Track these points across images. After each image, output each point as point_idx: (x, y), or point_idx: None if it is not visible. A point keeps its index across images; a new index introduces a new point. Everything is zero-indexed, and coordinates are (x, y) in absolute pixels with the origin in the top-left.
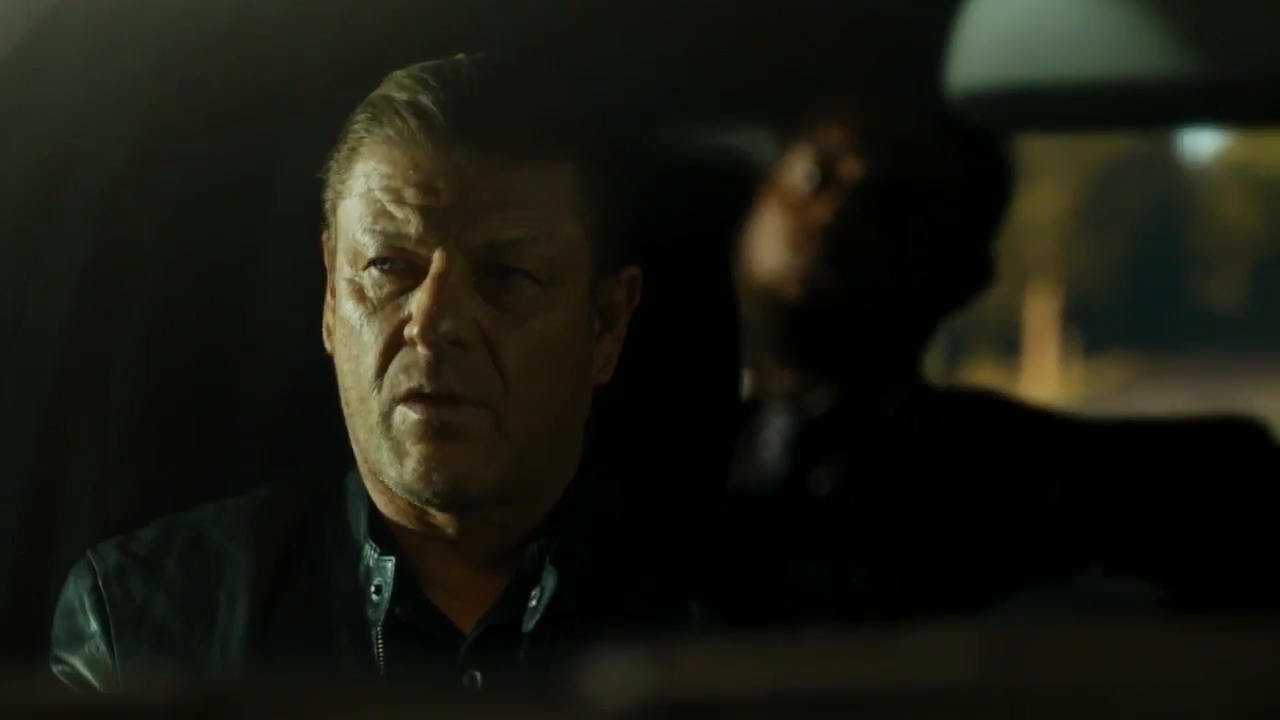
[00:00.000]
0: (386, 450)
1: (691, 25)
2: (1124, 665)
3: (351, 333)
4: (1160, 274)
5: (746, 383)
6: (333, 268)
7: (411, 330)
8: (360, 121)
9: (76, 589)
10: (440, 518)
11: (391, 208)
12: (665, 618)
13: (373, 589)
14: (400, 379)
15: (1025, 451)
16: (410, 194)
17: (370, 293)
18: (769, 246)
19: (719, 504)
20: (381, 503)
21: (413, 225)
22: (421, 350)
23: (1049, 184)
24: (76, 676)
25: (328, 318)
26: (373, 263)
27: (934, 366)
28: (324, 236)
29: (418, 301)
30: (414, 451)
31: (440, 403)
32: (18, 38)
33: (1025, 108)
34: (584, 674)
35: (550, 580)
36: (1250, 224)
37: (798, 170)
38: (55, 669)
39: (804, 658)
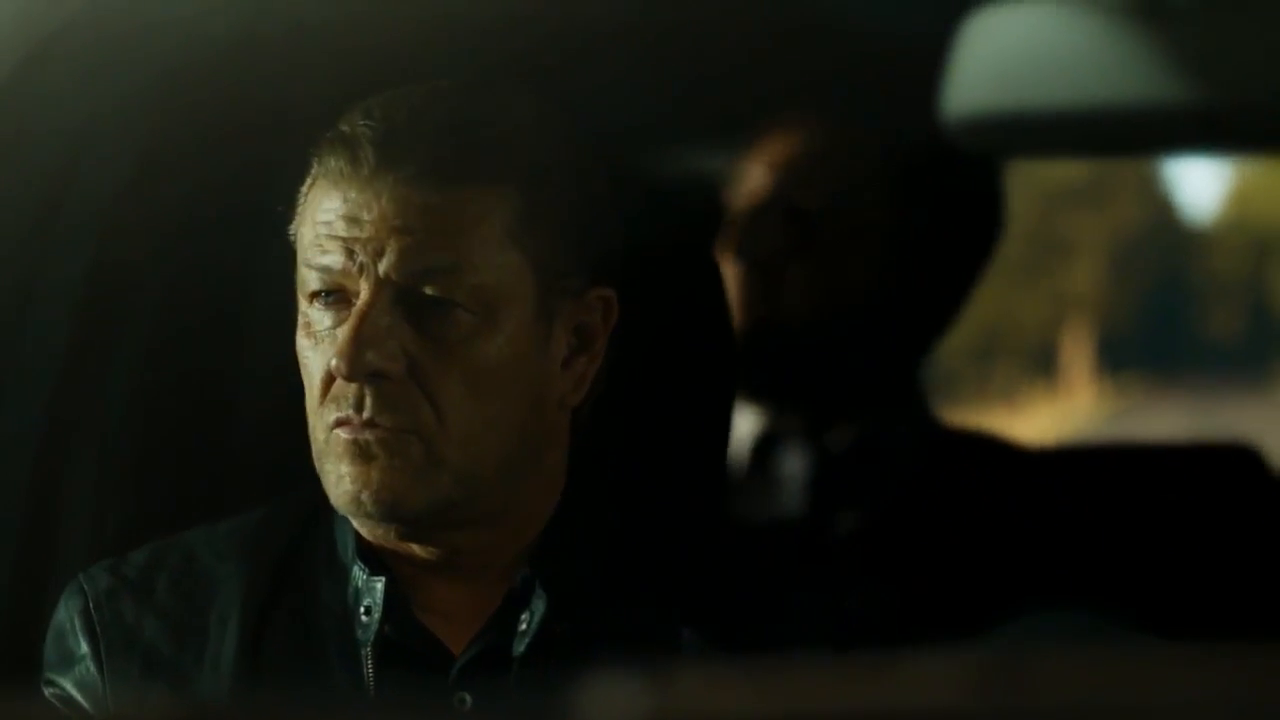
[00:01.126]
0: (329, 473)
1: (678, 51)
2: (1119, 691)
3: (303, 364)
4: (1168, 309)
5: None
6: (296, 297)
7: (332, 363)
8: (315, 156)
9: (67, 611)
10: (405, 544)
11: (325, 242)
12: (656, 643)
13: (362, 610)
14: (331, 408)
15: (1020, 483)
16: (340, 227)
17: (315, 325)
18: (736, 282)
19: (711, 529)
20: (364, 529)
21: (340, 259)
22: (342, 382)
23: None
24: (67, 699)
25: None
26: (314, 296)
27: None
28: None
29: (340, 337)
30: (345, 472)
31: (366, 427)
32: (18, 60)
33: (1019, 133)
34: (576, 697)
35: (540, 604)
36: (1244, 270)
37: (733, 199)
38: (46, 691)
39: (798, 683)
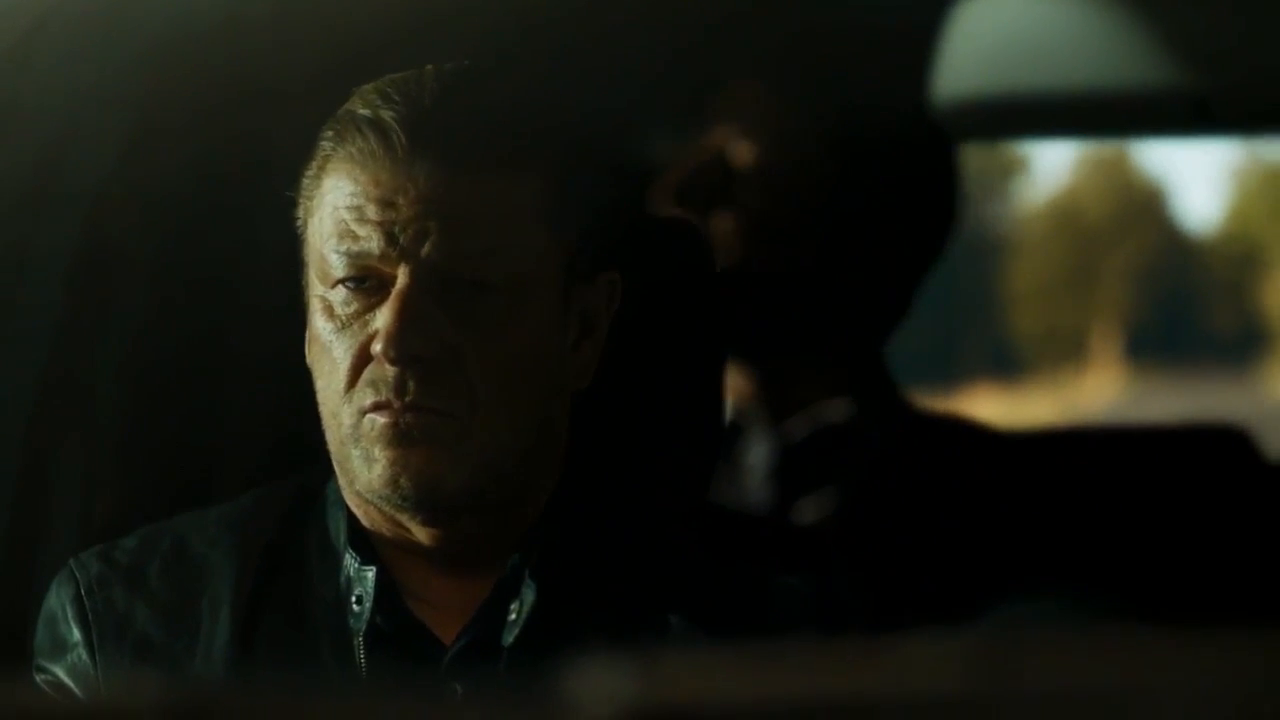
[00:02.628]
0: (357, 458)
1: (678, 34)
2: (1105, 676)
3: (324, 349)
4: (1177, 309)
5: (730, 395)
6: (307, 283)
7: (376, 348)
8: (327, 139)
9: (59, 598)
10: (417, 530)
11: (355, 226)
12: (646, 631)
13: (354, 599)
14: (367, 392)
15: (1007, 467)
16: (372, 211)
17: (339, 310)
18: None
19: (700, 517)
20: (360, 513)
21: (375, 243)
22: (387, 367)
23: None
24: (59, 685)
25: (308, 332)
26: (340, 281)
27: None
28: (302, 253)
29: (382, 319)
30: (381, 456)
31: (407, 410)
32: (9, 38)
33: (1009, 116)
34: (565, 684)
35: (529, 594)
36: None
37: (699, 167)
38: (38, 678)
39: (786, 668)
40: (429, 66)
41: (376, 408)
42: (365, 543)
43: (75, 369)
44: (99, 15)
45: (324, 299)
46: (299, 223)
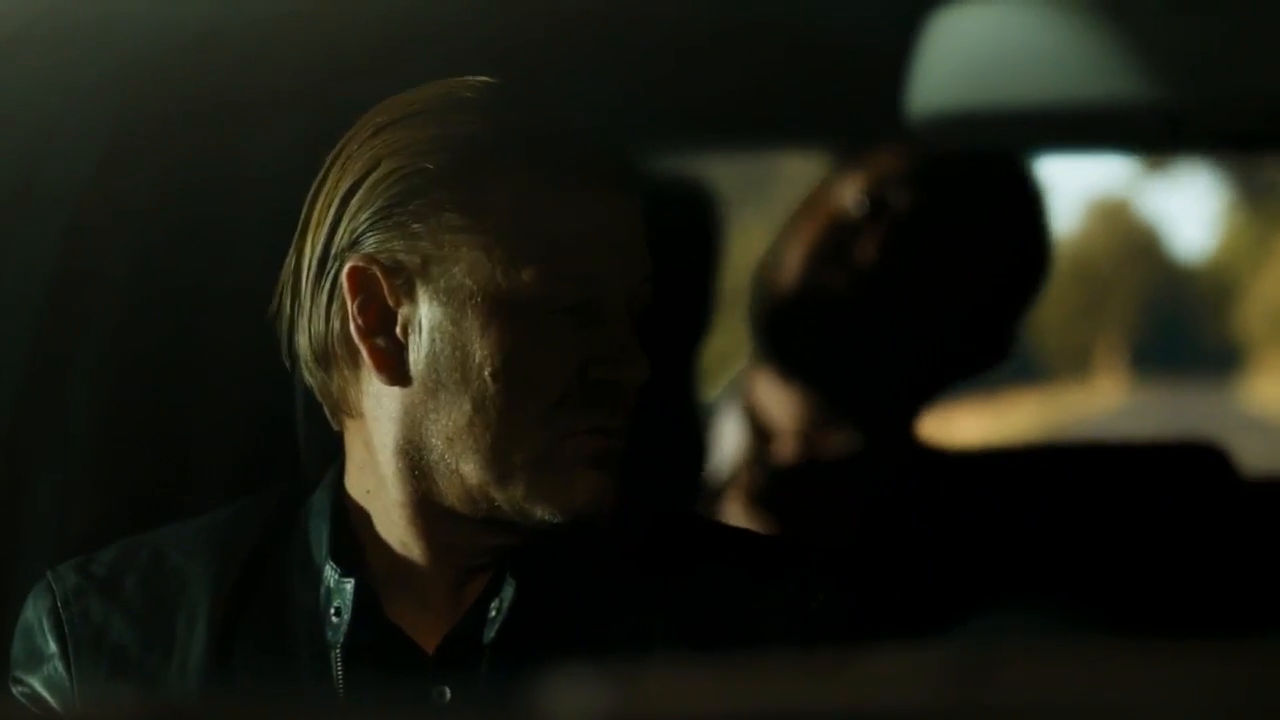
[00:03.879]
0: (552, 480)
1: (661, 52)
2: (1083, 688)
3: (525, 365)
4: (1173, 325)
5: (738, 402)
6: (438, 299)
7: (611, 372)
8: (437, 161)
9: (36, 610)
10: (415, 545)
11: (574, 252)
12: (627, 635)
13: (332, 611)
14: (579, 415)
15: (986, 483)
16: (581, 239)
17: (548, 330)
18: (804, 264)
19: (682, 526)
20: (376, 522)
21: (598, 268)
22: (615, 392)
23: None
24: (35, 697)
25: (380, 346)
26: (561, 305)
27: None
28: (358, 264)
29: (619, 349)
30: (590, 478)
31: (614, 436)
32: None
33: (985, 130)
34: (547, 691)
35: (509, 591)
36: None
37: (847, 195)
38: (14, 690)
39: (767, 679)
40: (477, 79)
41: (593, 431)
42: (347, 554)
43: (52, 381)
44: (77, 28)
45: (541, 323)
46: (409, 243)
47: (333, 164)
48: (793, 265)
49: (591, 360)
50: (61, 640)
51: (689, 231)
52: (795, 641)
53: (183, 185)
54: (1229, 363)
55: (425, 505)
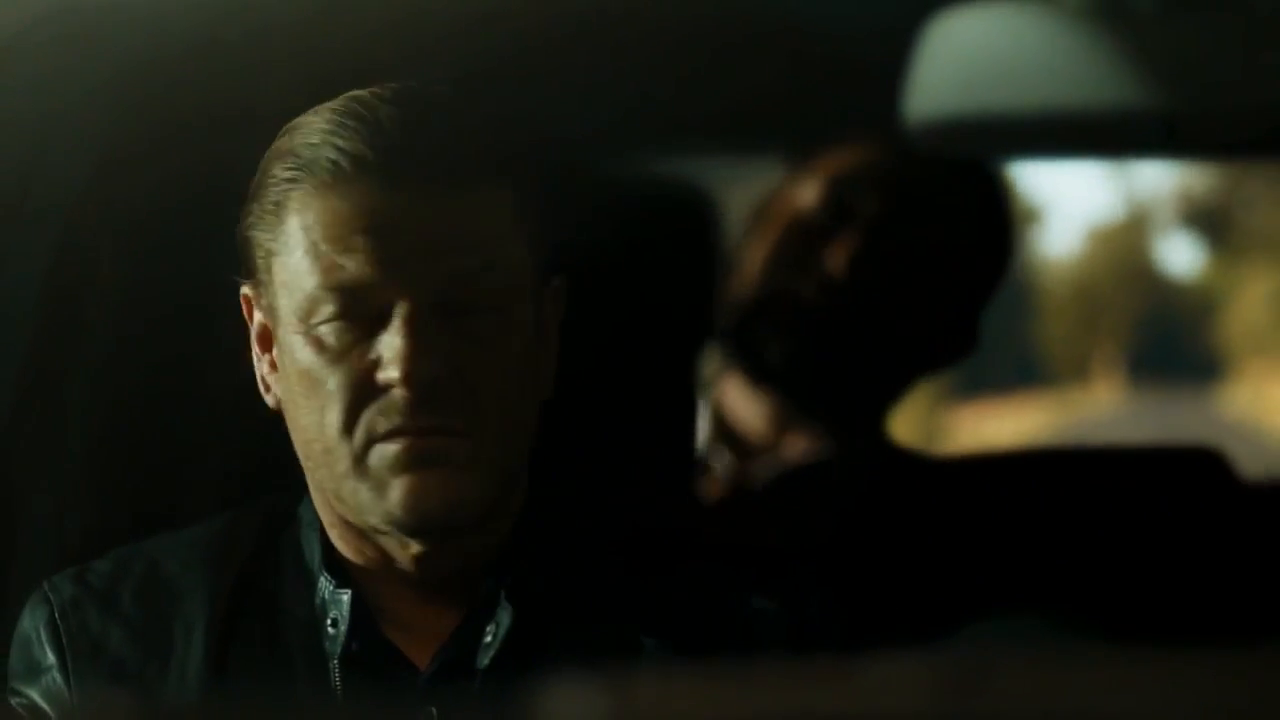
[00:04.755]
0: (365, 490)
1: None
2: (1078, 697)
3: (311, 385)
4: (1166, 335)
5: (713, 415)
6: (273, 322)
7: (389, 374)
8: (282, 173)
9: (33, 621)
10: (403, 556)
11: (341, 258)
12: (620, 653)
13: (329, 622)
14: (379, 421)
15: (983, 489)
16: (359, 241)
17: (330, 342)
18: (767, 267)
19: (673, 539)
20: (340, 540)
21: (368, 271)
22: (400, 393)
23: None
24: (33, 708)
25: (263, 370)
26: (331, 314)
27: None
28: (245, 291)
29: (391, 346)
30: (397, 483)
31: (424, 434)
32: None
33: (981, 137)
34: (539, 705)
35: (505, 617)
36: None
37: (809, 199)
38: (12, 701)
39: (757, 690)
40: (368, 91)
41: (389, 436)
42: (340, 566)
43: (47, 390)
44: (73, 36)
45: (310, 335)
46: (255, 263)
47: None
48: (755, 269)
49: (378, 364)
50: (60, 651)
51: (687, 238)
52: (788, 653)
53: (179, 194)
54: (1219, 371)
55: (334, 521)
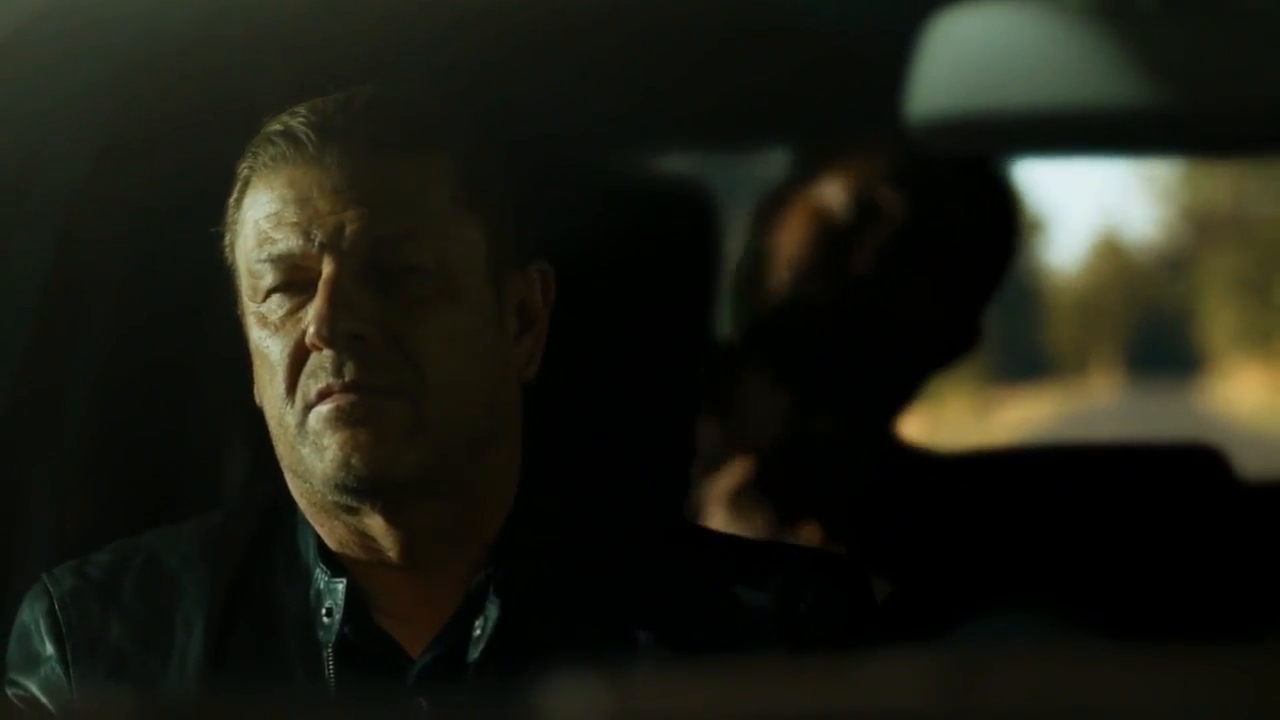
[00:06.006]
0: (308, 455)
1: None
2: (1078, 693)
3: (262, 360)
4: (1160, 334)
5: (719, 407)
6: (240, 309)
7: (310, 334)
8: (244, 163)
9: (32, 612)
10: (378, 530)
11: (274, 232)
12: (614, 647)
13: (324, 611)
14: (310, 384)
15: (983, 484)
16: (290, 213)
17: (271, 317)
18: (789, 265)
19: (669, 533)
20: (324, 531)
21: (295, 241)
22: (326, 352)
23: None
24: (32, 700)
25: (254, 371)
26: (270, 290)
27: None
28: (236, 283)
29: (314, 307)
30: (331, 442)
31: (350, 391)
32: None
33: (984, 134)
34: (534, 700)
35: (494, 610)
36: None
37: (832, 197)
38: (9, 692)
39: (754, 685)
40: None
41: (320, 397)
42: (334, 556)
43: (47, 383)
44: (72, 32)
45: (258, 314)
46: (227, 255)
47: None
48: (777, 268)
49: (308, 328)
50: (59, 642)
51: (688, 232)
52: (785, 645)
53: (177, 190)
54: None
55: (304, 506)
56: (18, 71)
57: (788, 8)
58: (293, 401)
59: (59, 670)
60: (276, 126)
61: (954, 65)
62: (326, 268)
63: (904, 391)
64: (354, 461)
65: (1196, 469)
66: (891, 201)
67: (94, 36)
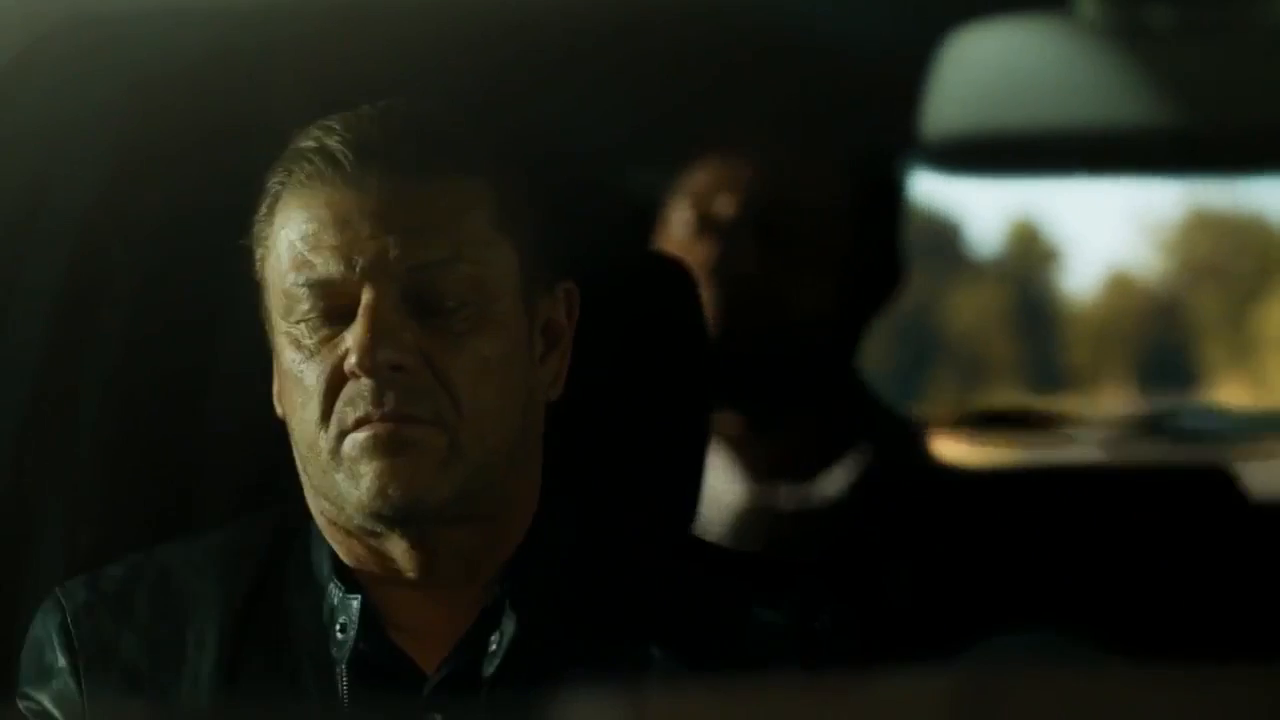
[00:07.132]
0: (342, 481)
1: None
2: (1092, 712)
3: (295, 383)
4: (1167, 355)
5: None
6: (268, 326)
7: (350, 363)
8: (275, 179)
9: (45, 626)
10: (401, 554)
11: (312, 254)
12: (627, 663)
13: (337, 627)
14: (347, 412)
15: (996, 505)
16: (328, 236)
17: (306, 340)
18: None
19: (682, 550)
20: (342, 549)
21: (335, 265)
22: (365, 381)
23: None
24: (44, 713)
25: (277, 383)
26: (306, 314)
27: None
28: (264, 300)
29: (354, 335)
30: (368, 470)
31: (389, 420)
32: None
33: (997, 153)
34: (549, 716)
35: (509, 625)
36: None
37: (677, 218)
38: (22, 705)
39: (770, 702)
40: (366, 106)
41: (358, 425)
42: (349, 572)
43: (60, 398)
44: (87, 48)
45: (290, 334)
46: (256, 269)
47: None
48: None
49: (346, 355)
50: (72, 656)
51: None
52: (800, 663)
53: (191, 206)
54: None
55: (325, 524)
56: (33, 88)
57: (808, 28)
58: (327, 426)
59: (71, 684)
60: (310, 143)
61: (969, 84)
62: (366, 295)
63: (843, 352)
64: (391, 491)
65: (1207, 493)
66: (726, 205)
67: (106, 55)
